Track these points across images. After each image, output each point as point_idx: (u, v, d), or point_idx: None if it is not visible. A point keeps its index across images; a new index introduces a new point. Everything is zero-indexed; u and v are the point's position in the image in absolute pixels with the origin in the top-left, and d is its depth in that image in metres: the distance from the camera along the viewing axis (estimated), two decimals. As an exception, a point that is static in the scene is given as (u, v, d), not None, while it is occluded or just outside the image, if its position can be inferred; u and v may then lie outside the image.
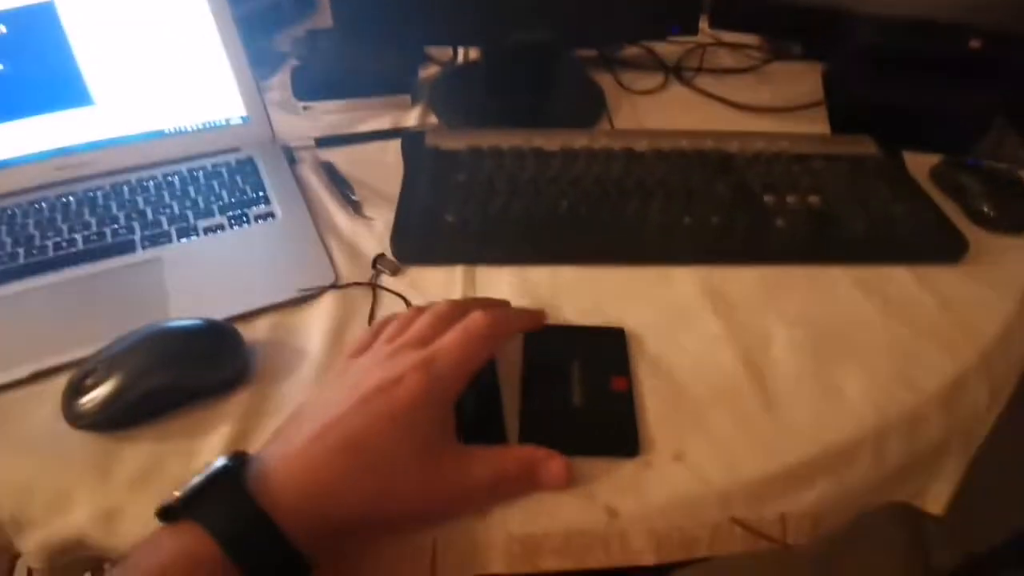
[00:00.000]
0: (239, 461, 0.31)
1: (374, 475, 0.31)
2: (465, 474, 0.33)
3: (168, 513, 0.29)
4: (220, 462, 0.30)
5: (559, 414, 0.39)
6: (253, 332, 0.44)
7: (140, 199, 0.53)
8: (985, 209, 0.54)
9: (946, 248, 0.51)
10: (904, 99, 0.63)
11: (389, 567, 0.34)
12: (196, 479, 0.30)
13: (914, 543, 1.16)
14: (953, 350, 0.44)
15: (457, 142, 0.58)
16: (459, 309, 0.38)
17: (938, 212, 0.53)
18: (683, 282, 0.48)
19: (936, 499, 0.43)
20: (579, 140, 0.58)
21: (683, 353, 0.43)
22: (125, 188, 0.54)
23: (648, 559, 0.35)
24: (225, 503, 0.29)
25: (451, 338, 0.35)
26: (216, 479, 0.30)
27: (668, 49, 0.78)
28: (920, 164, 0.59)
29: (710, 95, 0.72)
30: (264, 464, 0.31)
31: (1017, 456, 0.88)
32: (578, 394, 0.40)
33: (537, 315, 0.43)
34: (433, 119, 0.67)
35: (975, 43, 0.59)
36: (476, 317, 0.36)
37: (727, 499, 0.36)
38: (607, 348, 0.43)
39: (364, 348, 0.38)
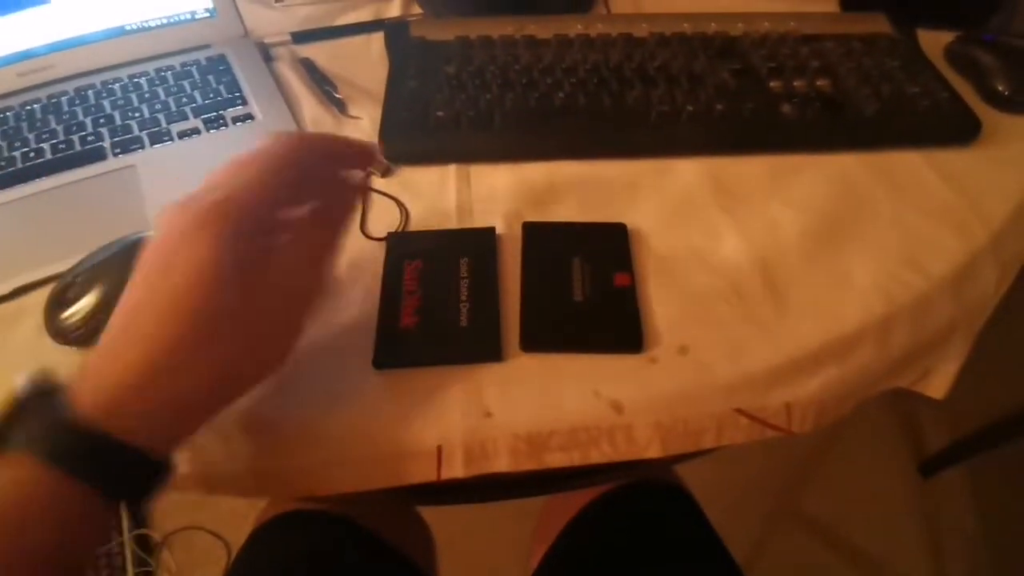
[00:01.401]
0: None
1: (145, 339, 0.27)
2: None
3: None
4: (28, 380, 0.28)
5: (560, 312, 0.38)
6: (240, 240, 0.42)
7: (106, 103, 0.50)
8: (1000, 87, 0.51)
9: (959, 130, 0.49)
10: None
11: (395, 468, 0.35)
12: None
13: (907, 428, 1.20)
14: (963, 233, 0.42)
15: (444, 32, 0.54)
16: None
17: (952, 92, 0.50)
18: (686, 174, 0.46)
19: (939, 384, 0.43)
20: (574, 26, 0.54)
21: (687, 247, 0.42)
22: (90, 92, 0.51)
23: (654, 452, 0.35)
24: (38, 420, 0.26)
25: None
26: (28, 396, 0.27)
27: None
28: (935, 42, 0.55)
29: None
30: (82, 367, 0.28)
31: (1011, 336, 0.90)
32: (580, 291, 0.39)
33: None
34: (417, 8, 0.62)
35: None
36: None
37: (732, 390, 0.36)
38: (608, 244, 0.41)
39: None
